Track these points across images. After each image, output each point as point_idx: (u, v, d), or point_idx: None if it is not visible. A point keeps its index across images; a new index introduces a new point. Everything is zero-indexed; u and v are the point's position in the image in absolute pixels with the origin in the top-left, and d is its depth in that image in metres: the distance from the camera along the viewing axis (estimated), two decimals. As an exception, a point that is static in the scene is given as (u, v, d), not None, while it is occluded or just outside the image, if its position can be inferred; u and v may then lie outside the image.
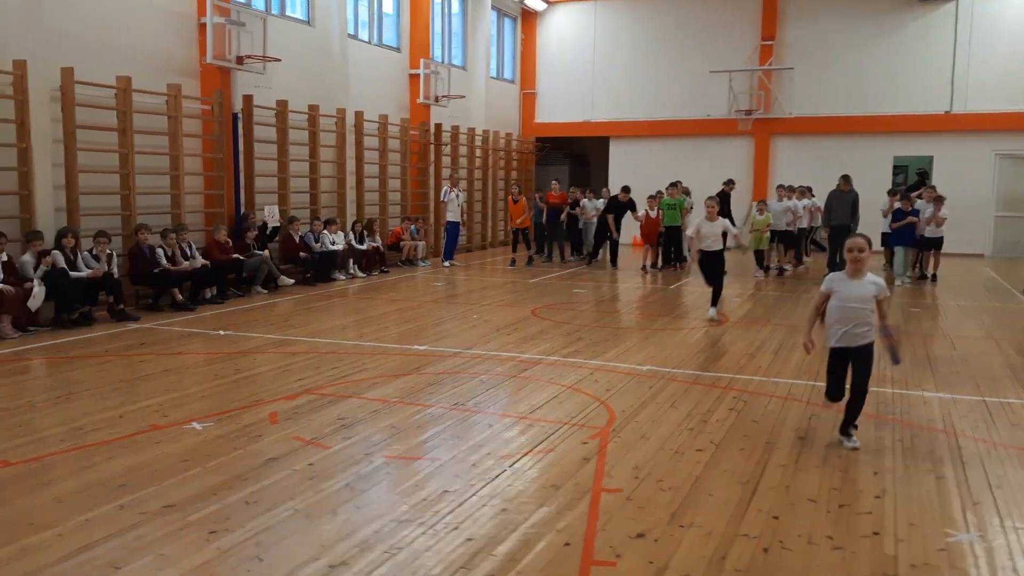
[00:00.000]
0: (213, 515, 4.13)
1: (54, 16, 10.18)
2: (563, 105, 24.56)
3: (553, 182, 18.57)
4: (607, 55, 23.92)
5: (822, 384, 5.73)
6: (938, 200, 15.12)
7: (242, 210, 13.17)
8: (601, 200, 18.32)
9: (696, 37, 22.70)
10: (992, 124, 20.09)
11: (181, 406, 6.26)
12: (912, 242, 14.79)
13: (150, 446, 5.28)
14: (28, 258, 9.46)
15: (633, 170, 22.28)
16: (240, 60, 12.77)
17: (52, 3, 10.11)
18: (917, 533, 4.06)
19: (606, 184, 21.83)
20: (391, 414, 6.10)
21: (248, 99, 13.22)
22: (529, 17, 24.49)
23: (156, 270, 10.83)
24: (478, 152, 21.45)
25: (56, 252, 9.64)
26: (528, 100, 25.00)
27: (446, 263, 16.73)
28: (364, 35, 17.45)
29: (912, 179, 21.52)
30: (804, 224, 17.05)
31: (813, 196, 17.81)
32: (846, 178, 15.84)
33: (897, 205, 15.05)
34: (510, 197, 17.79)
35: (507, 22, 24.25)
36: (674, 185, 16.75)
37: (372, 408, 6.26)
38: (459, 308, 11.61)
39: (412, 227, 17.27)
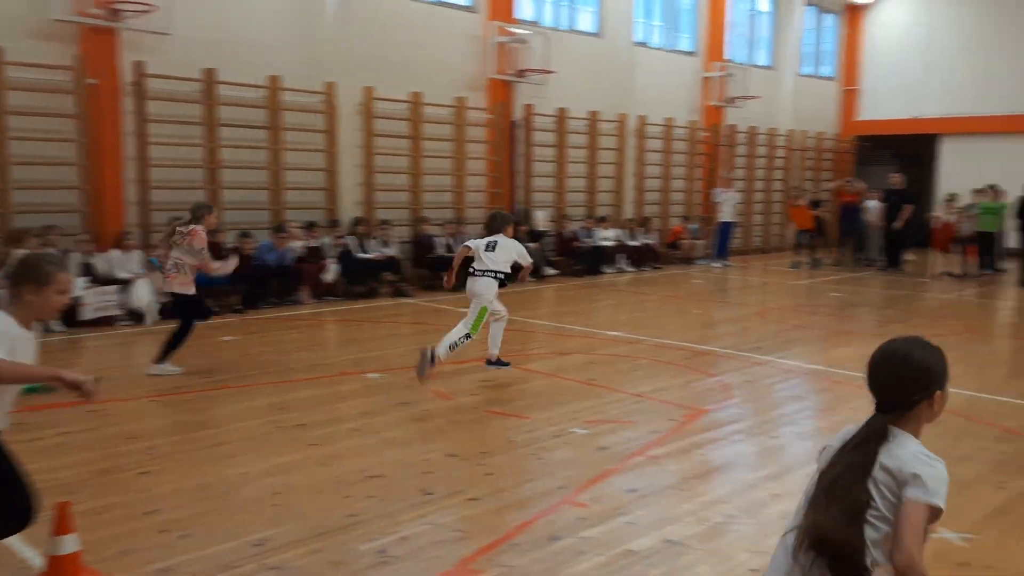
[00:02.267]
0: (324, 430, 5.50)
1: (359, 43, 12.54)
2: (888, 101, 22.87)
3: (846, 179, 17.74)
4: (941, 45, 21.79)
5: None
6: None
7: (519, 207, 14.79)
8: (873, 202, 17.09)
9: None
10: None
11: (368, 362, 7.82)
12: None
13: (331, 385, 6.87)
14: (328, 241, 11.90)
15: (966, 169, 20.08)
16: (520, 74, 14.38)
17: (357, 33, 12.46)
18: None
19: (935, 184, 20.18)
20: (523, 381, 7.05)
21: (528, 108, 14.82)
22: (855, 11, 23.21)
23: (430, 256, 12.79)
24: (780, 152, 21.02)
25: (350, 237, 11.96)
26: (849, 97, 23.68)
27: (716, 263, 16.91)
28: (656, 42, 18.20)
29: None
30: None
31: None
32: None
33: None
34: (789, 201, 17.18)
35: (828, 18, 23.25)
36: (992, 188, 15.18)
37: (492, 372, 7.25)
38: (692, 304, 12.01)
39: (692, 226, 17.70)
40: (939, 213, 15.28)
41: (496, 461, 5.06)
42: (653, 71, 17.59)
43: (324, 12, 12.14)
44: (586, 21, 16.55)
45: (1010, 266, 15.99)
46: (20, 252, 7.37)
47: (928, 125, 21.99)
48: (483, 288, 6.73)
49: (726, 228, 17.04)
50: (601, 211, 16.23)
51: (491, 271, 6.81)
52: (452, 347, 6.62)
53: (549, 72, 14.48)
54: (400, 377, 7.14)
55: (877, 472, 2.21)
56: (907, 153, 23.83)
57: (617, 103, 16.56)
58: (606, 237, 15.57)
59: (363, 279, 12.00)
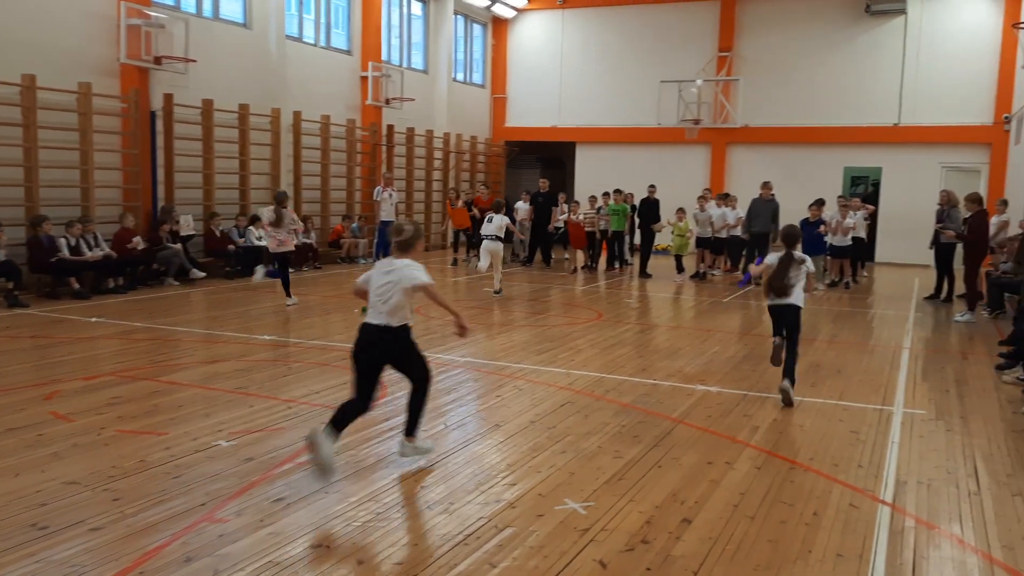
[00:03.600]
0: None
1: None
2: (533, 110, 24.93)
3: (481, 187, 19.02)
4: (574, 62, 24.25)
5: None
6: (843, 208, 15.33)
7: (160, 204, 13.70)
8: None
9: (657, 47, 22.96)
10: (938, 137, 20.16)
11: (-20, 382, 6.76)
12: (820, 250, 14.82)
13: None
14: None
15: (598, 175, 22.51)
16: (158, 60, 13.32)
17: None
18: (521, 510, 4.41)
19: (570, 188, 22.40)
20: (163, 394, 6.54)
21: (168, 98, 13.78)
22: (500, 24, 24.90)
23: (52, 259, 11.37)
24: (438, 154, 21.88)
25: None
26: (499, 104, 25.39)
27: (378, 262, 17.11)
28: (310, 37, 17.94)
29: (871, 190, 21.62)
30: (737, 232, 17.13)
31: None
32: (766, 185, 16.00)
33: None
34: (448, 201, 17.86)
35: (476, 28, 24.67)
36: (618, 192, 17.15)
37: (127, 387, 6.71)
38: (355, 303, 12.01)
39: (353, 225, 17.74)
40: (572, 215, 16.96)
41: (125, 484, 4.63)
42: (308, 67, 17.34)
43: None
44: (232, 10, 15.81)
45: (635, 260, 18.28)
46: None
47: (565, 133, 24.37)
48: None
49: (387, 227, 17.29)
50: (255, 209, 15.62)
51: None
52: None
53: (191, 60, 13.60)
54: (8, 399, 6.25)
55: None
56: (550, 158, 26.19)
57: (270, 97, 16.06)
58: (260, 237, 15.01)
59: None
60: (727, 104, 21.97)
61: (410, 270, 4.91)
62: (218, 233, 14.37)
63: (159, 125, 13.73)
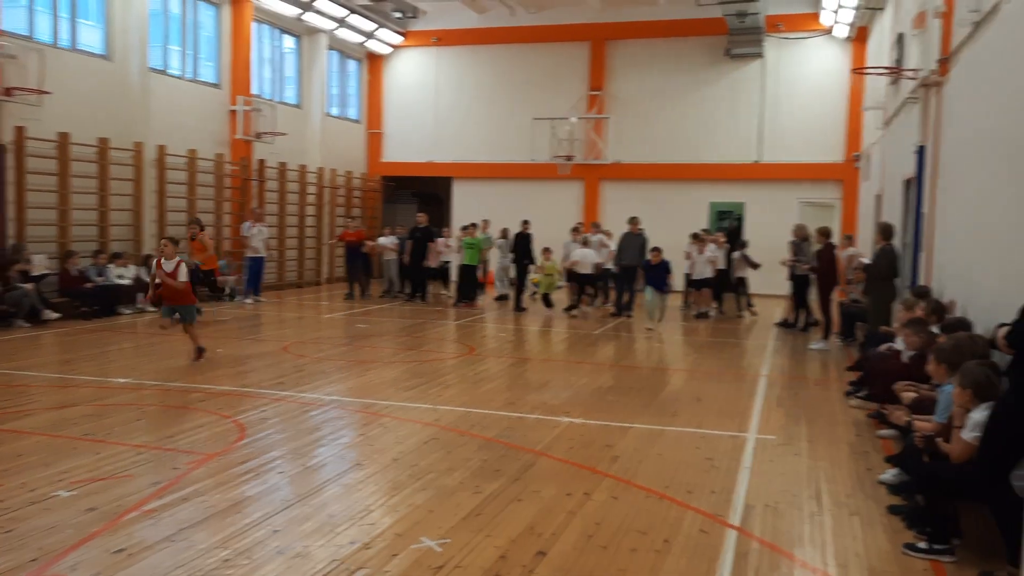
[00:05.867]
0: None
1: None
2: (409, 145, 25.00)
3: (348, 220, 19.08)
4: (449, 99, 24.55)
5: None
6: (700, 243, 16.14)
7: (9, 242, 12.94)
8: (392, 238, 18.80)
9: (530, 85, 23.54)
10: (795, 173, 21.46)
11: None
12: (662, 287, 14.50)
13: None
14: None
15: (475, 209, 22.70)
16: (9, 92, 12.66)
17: None
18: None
19: (448, 223, 22.54)
20: (3, 443, 6.16)
21: (20, 130, 13.10)
22: (375, 60, 24.95)
23: None
24: (311, 189, 21.60)
25: None
26: (374, 139, 25.35)
27: (248, 299, 16.70)
28: (175, 69, 17.46)
29: (735, 224, 22.74)
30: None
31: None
32: (633, 220, 16.60)
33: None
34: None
35: (351, 63, 24.64)
36: (474, 226, 17.42)
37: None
38: (218, 342, 11.67)
39: (222, 262, 17.23)
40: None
41: (-52, 543, 4.34)
42: (173, 99, 16.85)
43: None
44: (92, 39, 15.23)
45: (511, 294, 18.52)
46: None
47: (441, 168, 24.56)
48: None
49: (257, 263, 16.93)
50: (116, 247, 14.98)
51: None
52: None
53: (45, 92, 12.99)
54: None
55: None
56: (426, 193, 26.27)
57: (132, 131, 15.50)
58: (122, 275, 14.41)
59: None
60: (598, 141, 22.74)
61: None
62: (74, 272, 13.66)
63: (9, 159, 13.00)
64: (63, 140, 13.99)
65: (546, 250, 16.71)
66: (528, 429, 7.23)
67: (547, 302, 16.56)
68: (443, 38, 24.21)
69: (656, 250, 14.64)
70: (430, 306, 17.24)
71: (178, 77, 17.42)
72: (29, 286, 12.68)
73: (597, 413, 7.89)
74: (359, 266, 18.38)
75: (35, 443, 6.30)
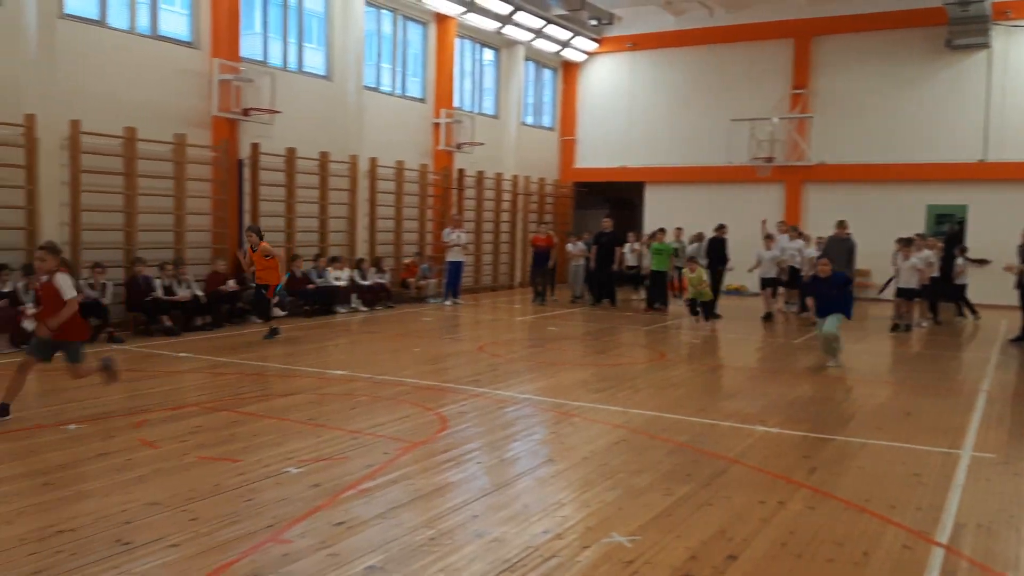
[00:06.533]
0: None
1: (64, 75, 11.72)
2: (602, 151, 25.25)
3: (540, 225, 19.35)
4: (643, 103, 24.54)
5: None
6: (906, 249, 14.83)
7: (245, 247, 14.43)
8: (582, 243, 18.90)
9: (727, 86, 23.05)
10: (1026, 173, 19.55)
11: (67, 412, 7.33)
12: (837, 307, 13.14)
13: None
14: (22, 285, 10.88)
15: (667, 214, 22.58)
16: (246, 112, 14.17)
17: (62, 64, 11.66)
18: (567, 540, 4.59)
19: (640, 228, 22.58)
20: (240, 424, 6.97)
21: (255, 147, 14.61)
22: (570, 68, 25.43)
23: (147, 298, 12.13)
24: (506, 196, 22.39)
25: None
26: (567, 146, 25.81)
27: (447, 302, 17.58)
28: (387, 86, 18.74)
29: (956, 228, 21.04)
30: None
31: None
32: (841, 223, 15.85)
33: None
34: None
35: (547, 72, 25.26)
36: (662, 231, 17.29)
37: (209, 418, 7.14)
38: (421, 341, 12.43)
39: (423, 266, 18.28)
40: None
41: (201, 506, 5.01)
42: (384, 115, 18.08)
43: (22, 41, 11.21)
44: (315, 62, 16.70)
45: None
46: None
47: (634, 173, 24.57)
48: None
49: (456, 267, 17.79)
50: (333, 251, 16.31)
51: None
52: None
53: (276, 112, 14.41)
54: (101, 427, 6.78)
55: None
56: (618, 198, 26.39)
57: (348, 145, 16.81)
58: (339, 277, 15.67)
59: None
60: (801, 142, 21.85)
61: None
62: (298, 274, 15.03)
63: (246, 173, 14.54)
64: (290, 155, 15.44)
65: (691, 260, 14.98)
66: (720, 436, 7.17)
67: (692, 309, 14.98)
68: (638, 43, 24.24)
69: (823, 259, 11.48)
70: (619, 311, 17.32)
71: (388, 93, 18.68)
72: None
73: (795, 423, 7.67)
74: (544, 271, 18.63)
75: (268, 425, 7.07)
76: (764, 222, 17.80)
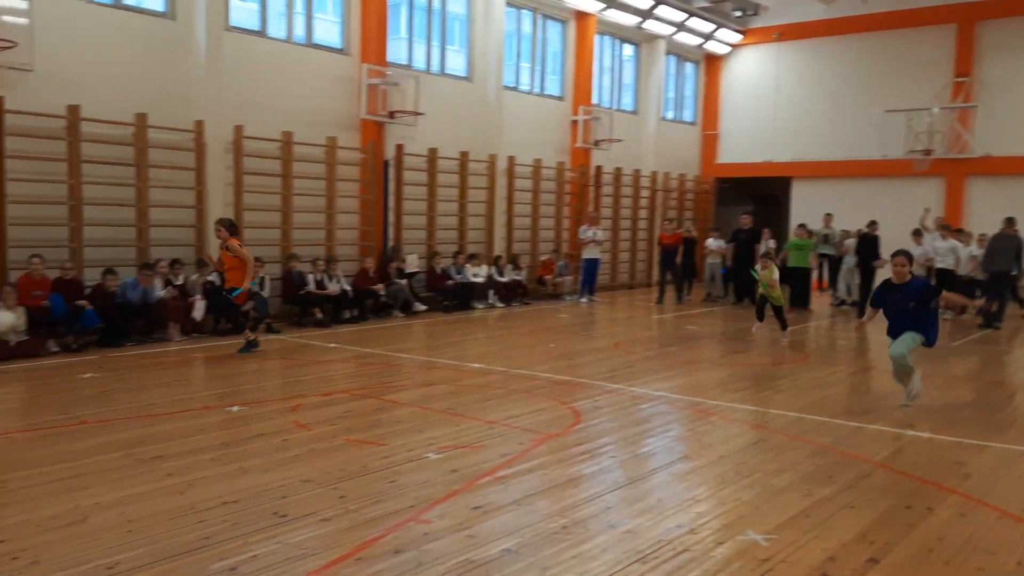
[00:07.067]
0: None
1: (229, 83, 12.63)
2: (745, 145, 24.61)
3: (666, 223, 18.98)
4: (789, 95, 23.73)
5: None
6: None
7: (389, 244, 15.09)
8: (721, 241, 18.42)
9: (881, 76, 21.91)
10: None
11: (231, 396, 7.93)
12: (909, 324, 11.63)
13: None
14: (195, 278, 11.83)
15: (815, 210, 21.72)
16: (391, 115, 14.78)
17: (227, 73, 12.56)
18: (700, 534, 4.59)
19: (785, 224, 21.87)
20: (385, 411, 7.34)
21: (399, 148, 15.22)
22: (712, 60, 24.92)
23: (301, 292, 12.90)
24: (644, 193, 22.22)
25: (216, 274, 11.93)
26: (709, 141, 25.31)
27: (583, 299, 17.66)
28: (525, 85, 19.02)
29: None
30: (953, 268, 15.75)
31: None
32: (1010, 221, 14.83)
33: None
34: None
35: (688, 66, 24.86)
36: (802, 227, 16.64)
37: (357, 404, 7.53)
38: (555, 337, 12.59)
39: (560, 263, 18.45)
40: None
41: (350, 485, 5.33)
42: (522, 114, 18.36)
43: (193, 52, 12.19)
44: (457, 63, 17.17)
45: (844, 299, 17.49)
46: None
47: (780, 168, 23.78)
48: None
49: (592, 265, 17.84)
50: (471, 248, 16.74)
51: None
52: None
53: (419, 113, 14.94)
54: (261, 410, 7.31)
55: None
56: (762, 194, 25.60)
57: (487, 144, 17.19)
58: (476, 273, 16.07)
59: (230, 315, 11.97)
60: (964, 133, 20.49)
61: None
62: (438, 270, 15.53)
63: (391, 173, 15.17)
64: (432, 155, 15.97)
65: (765, 256, 12.53)
66: (866, 439, 6.91)
67: (759, 313, 12.29)
68: (785, 33, 23.45)
69: (899, 255, 7.77)
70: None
71: (527, 92, 18.95)
72: (404, 282, 14.68)
73: (948, 428, 7.28)
74: (673, 269, 18.20)
75: (409, 412, 7.41)
76: (927, 211, 16.84)
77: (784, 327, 12.05)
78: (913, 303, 7.64)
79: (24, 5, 10.06)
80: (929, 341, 7.81)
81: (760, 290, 12.17)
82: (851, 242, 17.53)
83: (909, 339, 7.74)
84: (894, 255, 7.78)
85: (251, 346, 10.42)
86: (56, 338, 10.11)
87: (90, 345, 10.40)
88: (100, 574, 3.93)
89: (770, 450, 6.49)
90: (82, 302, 10.40)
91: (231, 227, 10.19)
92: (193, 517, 4.69)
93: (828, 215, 18.92)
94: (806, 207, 22.68)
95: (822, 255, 18.19)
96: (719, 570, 4.21)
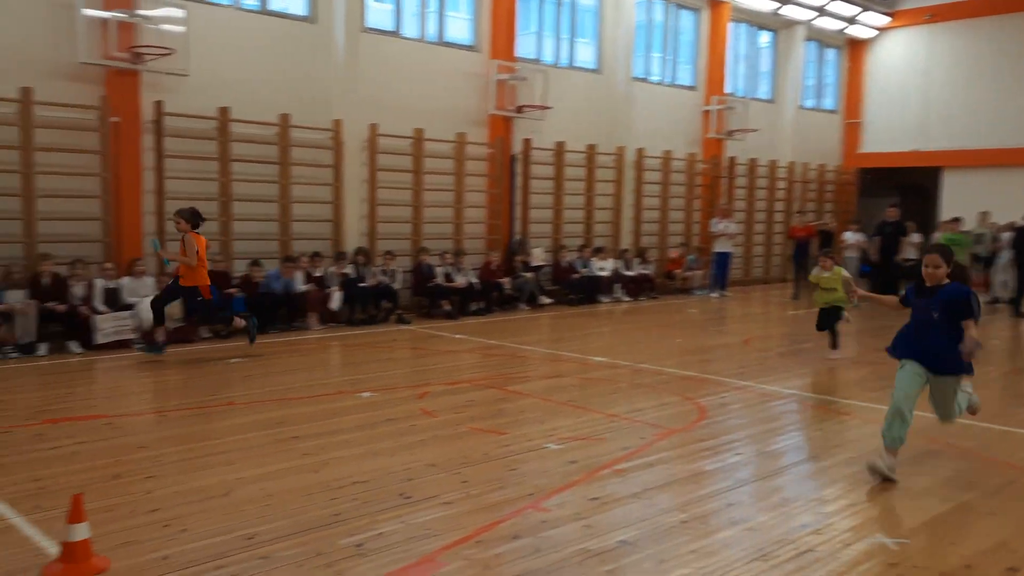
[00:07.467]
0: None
1: (365, 83, 13.13)
2: (892, 134, 23.35)
3: (796, 214, 18.15)
4: (942, 80, 22.32)
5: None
6: None
7: (515, 237, 15.28)
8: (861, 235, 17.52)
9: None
10: None
11: (363, 382, 8.29)
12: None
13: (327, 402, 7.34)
14: (332, 270, 12.41)
15: (969, 202, 20.35)
16: (520, 109, 14.95)
17: (363, 73, 13.06)
18: (825, 536, 4.45)
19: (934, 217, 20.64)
20: (508, 401, 7.48)
21: (527, 142, 15.38)
22: (856, 45, 23.78)
23: (430, 284, 13.28)
24: (781, 184, 21.49)
25: (351, 266, 12.47)
26: (851, 130, 24.17)
27: (714, 293, 17.28)
28: (656, 76, 18.78)
29: None
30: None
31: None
32: None
33: None
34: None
35: (830, 52, 23.82)
36: (956, 220, 15.66)
37: (481, 393, 7.69)
38: (683, 332, 12.41)
39: (690, 256, 18.13)
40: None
41: (472, 471, 5.49)
42: (652, 105, 18.13)
43: (332, 53, 12.77)
44: (586, 55, 17.15)
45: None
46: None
47: (929, 158, 22.42)
48: None
49: (724, 258, 17.43)
50: (598, 242, 16.71)
51: None
52: None
53: (547, 108, 15.04)
54: (390, 396, 7.61)
55: None
56: (909, 185, 24.21)
57: (615, 136, 17.09)
58: (603, 267, 16.03)
59: (364, 306, 12.49)
60: None
61: None
62: (564, 264, 15.60)
63: (518, 167, 15.36)
64: (559, 148, 16.05)
65: (824, 256, 10.31)
66: (1015, 444, 6.48)
67: (820, 323, 10.36)
68: (938, 14, 22.08)
69: (933, 253, 5.72)
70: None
71: (657, 83, 18.69)
72: (530, 275, 14.83)
73: (1111, 436, 6.71)
74: (806, 263, 17.45)
75: (532, 403, 7.52)
76: None
77: (835, 344, 10.15)
78: (937, 314, 5.63)
79: (181, 14, 10.83)
80: (963, 368, 5.75)
81: (816, 299, 10.21)
82: (1007, 235, 16.34)
83: (959, 395, 5.90)
84: (926, 252, 5.79)
85: (241, 331, 9.37)
86: (214, 324, 10.67)
87: (238, 333, 11.06)
88: (240, 543, 4.23)
89: (907, 453, 6.17)
90: (232, 290, 11.12)
91: (192, 218, 8.84)
92: (326, 495, 4.96)
93: (983, 213, 17.69)
94: (959, 198, 21.30)
95: (974, 256, 17.01)
96: (844, 572, 4.08)
